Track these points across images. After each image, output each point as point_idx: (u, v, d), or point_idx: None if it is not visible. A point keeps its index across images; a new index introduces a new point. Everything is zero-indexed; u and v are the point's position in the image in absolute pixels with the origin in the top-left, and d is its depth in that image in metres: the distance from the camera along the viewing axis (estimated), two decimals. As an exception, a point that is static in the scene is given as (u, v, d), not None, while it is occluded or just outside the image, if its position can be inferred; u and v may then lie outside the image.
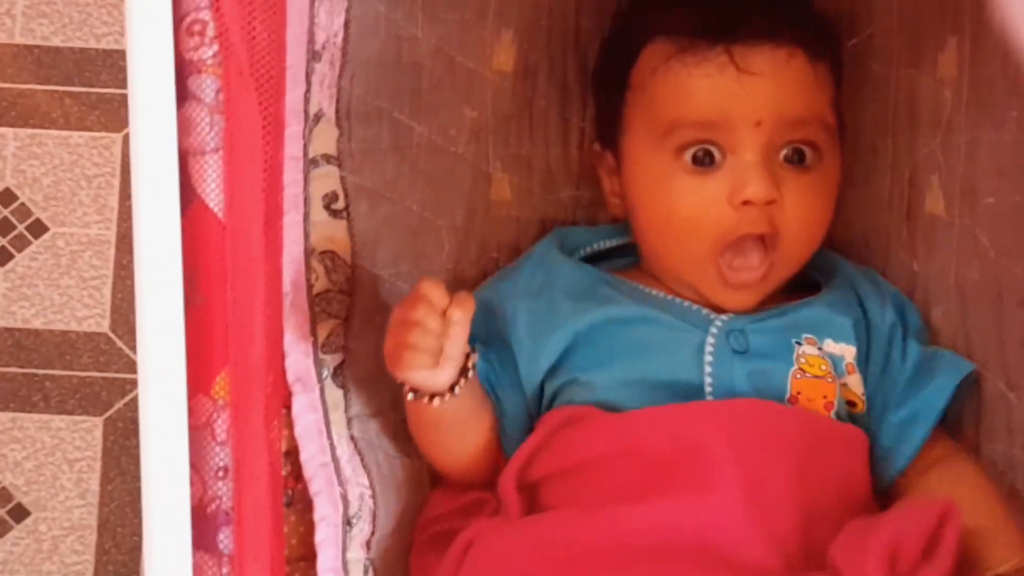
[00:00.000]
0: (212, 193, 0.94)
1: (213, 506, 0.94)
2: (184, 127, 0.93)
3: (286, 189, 1.05)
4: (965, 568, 1.02)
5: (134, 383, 1.59)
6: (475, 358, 1.11)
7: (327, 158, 1.13)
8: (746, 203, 1.13)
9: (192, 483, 0.92)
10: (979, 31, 1.11)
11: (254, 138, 0.95)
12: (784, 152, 1.16)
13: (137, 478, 1.57)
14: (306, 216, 1.09)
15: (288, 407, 1.09)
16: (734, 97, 1.14)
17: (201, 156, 0.93)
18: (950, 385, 1.14)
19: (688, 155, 1.15)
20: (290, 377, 1.09)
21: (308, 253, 1.10)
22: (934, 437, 1.14)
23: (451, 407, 1.10)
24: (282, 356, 1.05)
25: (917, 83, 1.20)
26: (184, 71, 0.93)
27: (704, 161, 1.15)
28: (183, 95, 0.93)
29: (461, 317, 1.06)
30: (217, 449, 0.94)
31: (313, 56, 1.08)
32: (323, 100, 1.11)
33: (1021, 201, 1.08)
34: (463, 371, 1.10)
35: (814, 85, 1.17)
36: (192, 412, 0.93)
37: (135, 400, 1.58)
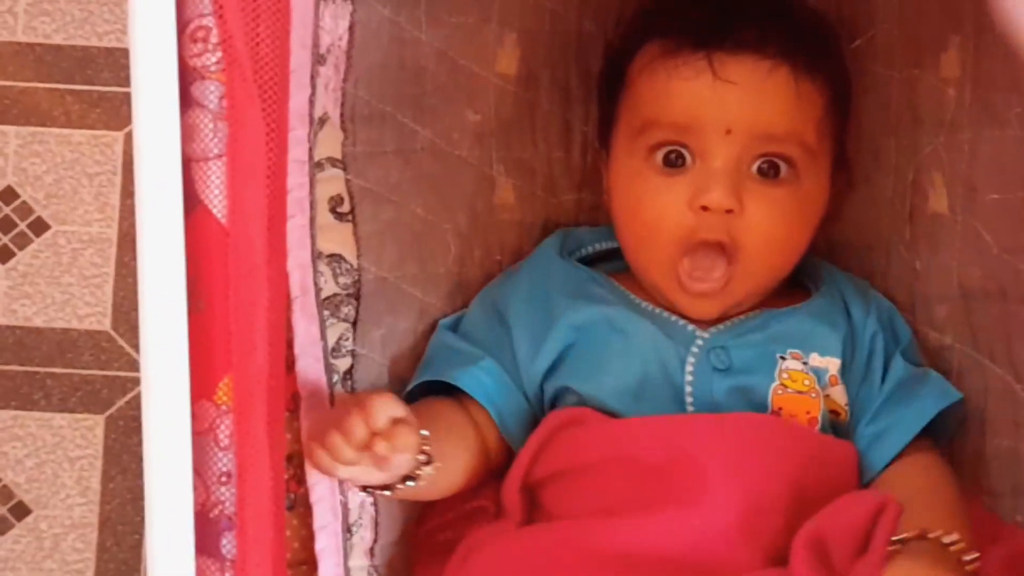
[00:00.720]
0: (215, 199, 0.94)
1: (216, 511, 0.94)
2: (187, 133, 0.92)
3: (291, 192, 1.05)
4: None
5: (135, 381, 1.59)
6: (428, 469, 1.06)
7: (332, 161, 1.13)
8: (705, 208, 1.13)
9: (195, 488, 0.92)
10: (981, 29, 1.12)
11: (258, 144, 0.95)
12: (757, 164, 1.16)
13: (138, 476, 1.58)
14: (312, 220, 1.09)
15: (291, 410, 1.09)
16: (706, 102, 1.14)
17: (204, 162, 0.93)
18: (933, 409, 1.14)
19: (659, 156, 1.16)
20: (300, 382, 1.09)
21: (315, 257, 1.10)
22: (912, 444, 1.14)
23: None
24: (284, 360, 1.05)
25: (920, 83, 1.20)
26: (188, 77, 0.93)
27: (675, 163, 1.16)
28: (187, 101, 0.93)
29: (386, 451, 0.99)
30: (220, 454, 0.94)
31: (318, 60, 1.08)
32: (328, 104, 1.10)
33: (1023, 197, 1.08)
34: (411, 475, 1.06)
35: (794, 102, 1.16)
36: (195, 417, 0.92)
37: (136, 398, 1.58)
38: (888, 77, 1.23)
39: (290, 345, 1.08)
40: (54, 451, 1.59)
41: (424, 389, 1.18)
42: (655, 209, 1.16)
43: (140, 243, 0.91)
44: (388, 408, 1.01)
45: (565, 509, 1.10)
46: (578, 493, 1.10)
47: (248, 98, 0.94)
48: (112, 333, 1.59)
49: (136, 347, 1.58)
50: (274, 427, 0.98)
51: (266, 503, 0.95)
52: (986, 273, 1.14)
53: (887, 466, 1.12)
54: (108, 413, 1.59)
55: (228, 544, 0.94)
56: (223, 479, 0.94)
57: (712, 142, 1.14)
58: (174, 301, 0.91)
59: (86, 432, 1.59)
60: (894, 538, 0.99)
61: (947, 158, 1.17)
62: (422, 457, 1.04)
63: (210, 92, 0.93)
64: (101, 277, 1.59)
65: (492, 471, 1.18)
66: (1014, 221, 1.11)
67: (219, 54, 0.93)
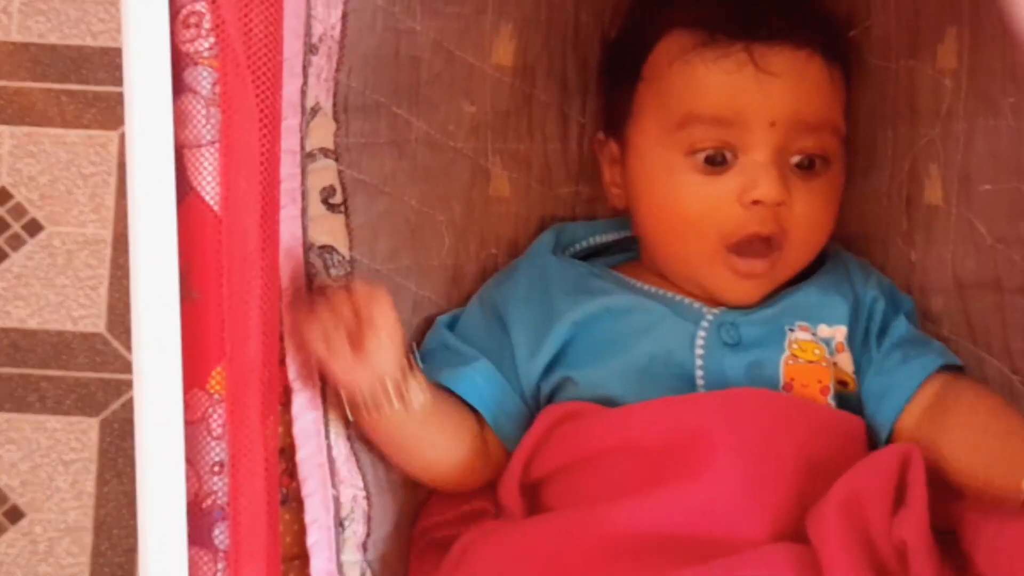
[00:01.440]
0: (208, 186, 0.93)
1: (209, 501, 0.93)
2: (180, 119, 0.92)
3: (283, 183, 1.04)
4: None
5: (130, 384, 1.58)
6: (417, 394, 1.08)
7: (324, 152, 1.12)
8: (756, 203, 1.14)
9: (188, 478, 0.91)
10: (978, 20, 1.11)
11: (251, 131, 0.94)
12: (796, 159, 1.16)
13: (133, 479, 1.56)
14: (304, 210, 1.08)
15: (283, 404, 1.08)
16: (751, 95, 1.14)
17: (197, 149, 0.93)
18: (939, 360, 1.13)
19: (701, 156, 1.15)
20: (290, 374, 1.07)
21: (306, 248, 1.09)
22: (924, 386, 1.13)
23: (399, 427, 1.09)
24: (277, 351, 1.04)
25: (916, 74, 1.20)
26: (180, 63, 0.92)
27: (716, 160, 1.15)
28: (179, 87, 0.92)
29: (379, 315, 1.04)
30: (213, 444, 0.93)
31: (310, 49, 1.07)
32: (320, 93, 1.10)
33: (1017, 187, 1.08)
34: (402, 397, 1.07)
35: (829, 89, 1.17)
36: (187, 407, 0.92)
37: (131, 401, 1.56)
38: (885, 68, 1.23)
39: (282, 338, 1.07)
40: (48, 454, 1.59)
41: None
42: (698, 206, 1.15)
43: (132, 230, 0.91)
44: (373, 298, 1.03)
45: (567, 504, 1.09)
46: (580, 486, 1.09)
47: (241, 84, 0.93)
48: (107, 335, 1.59)
49: (131, 349, 1.57)
50: (267, 417, 0.97)
51: (259, 493, 0.94)
52: (981, 264, 1.14)
53: (896, 421, 1.12)
54: (102, 416, 1.59)
55: (221, 535, 0.93)
56: (216, 469, 0.93)
57: (756, 135, 1.14)
58: (167, 289, 0.90)
59: (80, 435, 1.58)
60: None
61: (943, 149, 1.17)
62: (414, 383, 1.06)
63: (203, 78, 0.93)
64: (96, 279, 1.59)
65: (491, 474, 1.16)
66: (1007, 211, 1.11)
67: (212, 40, 0.92)
